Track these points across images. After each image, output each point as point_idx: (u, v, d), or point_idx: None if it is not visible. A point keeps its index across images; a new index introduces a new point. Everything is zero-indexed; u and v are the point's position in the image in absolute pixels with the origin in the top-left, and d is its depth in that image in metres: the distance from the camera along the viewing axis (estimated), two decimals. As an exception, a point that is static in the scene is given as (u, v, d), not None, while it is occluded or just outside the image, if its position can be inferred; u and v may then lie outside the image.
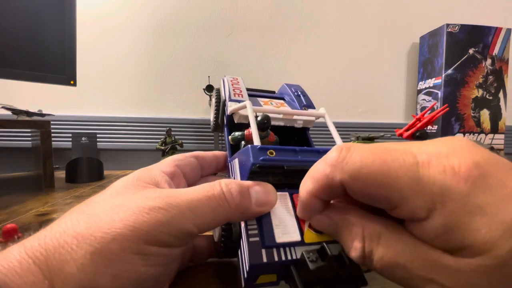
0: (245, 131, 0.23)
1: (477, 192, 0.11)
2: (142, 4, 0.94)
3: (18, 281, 0.12)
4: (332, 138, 0.23)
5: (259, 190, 0.17)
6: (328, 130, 0.24)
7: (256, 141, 0.20)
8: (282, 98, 0.29)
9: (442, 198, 0.11)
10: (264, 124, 0.22)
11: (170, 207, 0.15)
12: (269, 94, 0.30)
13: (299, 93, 0.29)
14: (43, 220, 0.38)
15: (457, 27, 0.93)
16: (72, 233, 0.14)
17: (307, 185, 0.15)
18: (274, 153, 0.18)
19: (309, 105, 0.28)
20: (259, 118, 0.22)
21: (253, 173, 0.18)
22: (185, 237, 0.15)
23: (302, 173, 0.20)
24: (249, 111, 0.22)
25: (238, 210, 0.16)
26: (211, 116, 0.29)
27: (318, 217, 0.16)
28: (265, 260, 0.15)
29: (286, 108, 0.27)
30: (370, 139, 0.62)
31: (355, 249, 0.14)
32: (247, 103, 0.22)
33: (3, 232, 0.30)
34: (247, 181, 0.18)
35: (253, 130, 0.20)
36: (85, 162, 0.68)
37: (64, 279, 0.13)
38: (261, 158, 0.17)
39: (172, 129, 0.79)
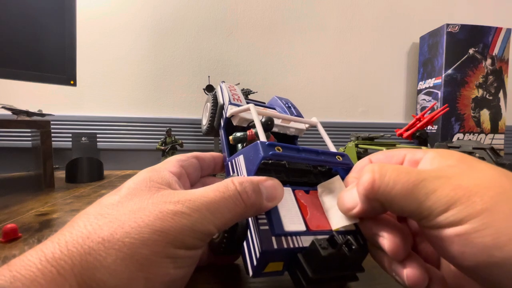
0: (247, 132, 0.23)
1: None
2: (142, 4, 0.94)
3: None
4: (325, 144, 0.25)
5: (268, 185, 0.18)
6: (317, 134, 0.26)
7: (263, 139, 0.20)
8: (274, 109, 0.31)
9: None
10: (268, 125, 0.23)
11: (192, 212, 0.15)
12: (262, 104, 0.31)
13: (290, 105, 0.31)
14: (43, 220, 0.38)
15: (457, 27, 0.93)
16: (96, 238, 0.13)
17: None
18: (281, 149, 0.19)
19: (299, 116, 0.29)
20: (263, 120, 0.23)
21: (258, 170, 0.19)
22: (207, 238, 0.16)
23: (300, 172, 0.21)
24: (254, 112, 0.22)
25: (253, 208, 0.17)
26: (203, 120, 0.30)
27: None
28: (275, 246, 0.16)
29: (284, 114, 0.28)
30: (370, 139, 0.62)
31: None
32: (251, 106, 0.23)
33: (3, 232, 0.30)
34: (255, 176, 0.18)
35: (259, 129, 0.21)
36: (85, 162, 0.68)
37: (96, 286, 0.12)
38: (271, 152, 0.18)
39: (172, 129, 0.79)
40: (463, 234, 0.13)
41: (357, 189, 0.16)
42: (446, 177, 0.14)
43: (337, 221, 0.18)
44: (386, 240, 0.16)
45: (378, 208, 0.16)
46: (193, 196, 0.16)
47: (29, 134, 0.84)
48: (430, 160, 0.17)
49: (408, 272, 0.16)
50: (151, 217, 0.15)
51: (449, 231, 0.13)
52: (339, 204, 0.18)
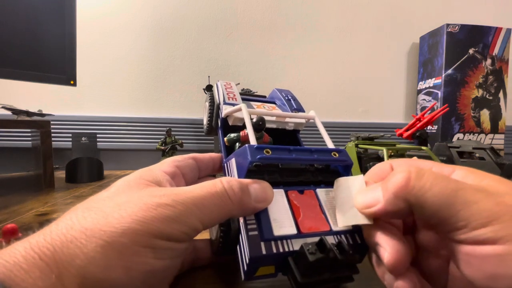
0: (241, 132, 0.23)
1: None
2: (142, 4, 0.94)
3: (24, 276, 0.12)
4: (323, 139, 0.24)
5: (257, 187, 0.18)
6: (318, 131, 0.25)
7: (253, 142, 0.20)
8: (273, 102, 0.30)
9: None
10: (259, 126, 0.22)
11: (177, 204, 0.15)
12: (261, 99, 0.31)
13: (289, 97, 0.30)
14: (43, 220, 0.38)
15: (457, 27, 0.93)
16: (79, 228, 0.14)
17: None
18: (270, 152, 0.18)
19: (299, 109, 0.29)
20: (254, 120, 0.22)
21: (250, 172, 0.19)
22: (191, 232, 0.16)
23: (295, 171, 0.21)
24: (245, 113, 0.22)
25: (240, 206, 0.17)
26: (204, 120, 0.30)
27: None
28: (264, 252, 0.16)
29: (279, 111, 0.28)
30: (370, 139, 0.62)
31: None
32: (242, 105, 0.23)
33: (3, 232, 0.30)
34: (245, 179, 0.18)
35: (249, 131, 0.21)
36: (85, 162, 0.68)
37: (75, 272, 0.13)
38: (258, 156, 0.18)
39: (172, 129, 0.79)
40: (501, 254, 0.12)
41: (384, 186, 0.16)
42: (488, 192, 0.13)
43: (346, 219, 0.18)
44: (387, 253, 0.15)
45: (402, 210, 0.15)
46: (180, 191, 0.16)
47: (29, 134, 0.84)
48: (461, 177, 0.16)
49: (399, 286, 0.15)
50: (135, 208, 0.15)
51: (484, 249, 0.12)
52: (358, 199, 0.17)
